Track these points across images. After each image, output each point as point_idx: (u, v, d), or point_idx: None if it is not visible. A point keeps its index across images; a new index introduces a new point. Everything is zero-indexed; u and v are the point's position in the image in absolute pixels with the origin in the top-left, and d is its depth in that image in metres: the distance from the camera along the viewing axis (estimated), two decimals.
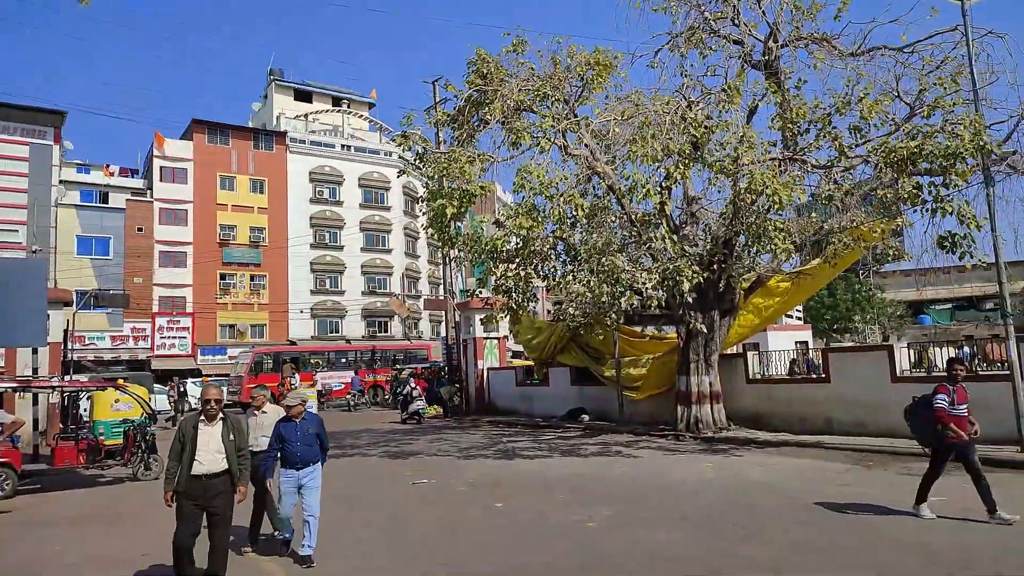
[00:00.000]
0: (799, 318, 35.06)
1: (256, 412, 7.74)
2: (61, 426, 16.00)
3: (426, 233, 16.67)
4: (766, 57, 14.87)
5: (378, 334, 51.14)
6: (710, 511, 8.68)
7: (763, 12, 14.72)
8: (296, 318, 47.72)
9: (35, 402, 15.65)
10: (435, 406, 29.48)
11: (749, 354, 17.82)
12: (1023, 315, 24.55)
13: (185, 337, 43.57)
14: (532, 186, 12.62)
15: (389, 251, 52.87)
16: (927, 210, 12.85)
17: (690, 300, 14.44)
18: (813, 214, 15.58)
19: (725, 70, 15.53)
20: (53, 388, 14.48)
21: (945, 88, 13.13)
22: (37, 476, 12.69)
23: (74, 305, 25.53)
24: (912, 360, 14.88)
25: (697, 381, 16.32)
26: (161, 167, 44.94)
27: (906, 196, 12.98)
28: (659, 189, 12.87)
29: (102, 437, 13.65)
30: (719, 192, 16.35)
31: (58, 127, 41.04)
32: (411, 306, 52.95)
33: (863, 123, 13.46)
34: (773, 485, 10.26)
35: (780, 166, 13.34)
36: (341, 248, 50.42)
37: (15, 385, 13.79)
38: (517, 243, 15.09)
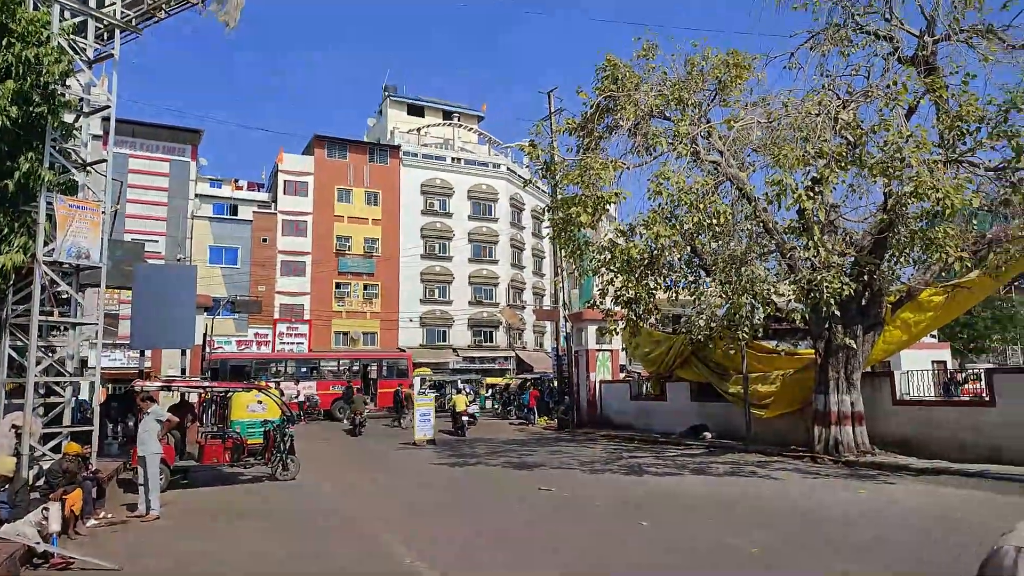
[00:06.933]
0: (934, 336, 32.53)
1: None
2: (199, 424, 16.90)
3: (552, 242, 16.49)
4: (921, 52, 13.79)
5: (484, 343, 51.64)
6: (888, 543, 7.93)
7: (920, 5, 13.67)
8: (406, 327, 48.86)
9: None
10: (545, 418, 29.46)
11: (896, 373, 16.53)
12: None
13: (303, 343, 45.39)
14: (669, 192, 12.17)
15: (496, 262, 53.33)
16: None
17: (834, 313, 13.54)
18: (974, 220, 14.29)
19: (868, 68, 14.59)
20: (204, 388, 15.30)
21: None
22: (183, 471, 13.36)
23: (213, 311, 27.13)
24: None
25: (837, 400, 15.25)
26: (284, 180, 47.27)
27: None
28: (810, 195, 12.11)
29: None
30: (860, 199, 15.36)
31: (195, 144, 44.08)
32: (519, 316, 53.20)
33: None
34: (945, 517, 9.33)
35: (943, 168, 12.27)
36: (450, 259, 51.32)
37: (160, 385, 14.60)
38: (644, 253, 14.62)
